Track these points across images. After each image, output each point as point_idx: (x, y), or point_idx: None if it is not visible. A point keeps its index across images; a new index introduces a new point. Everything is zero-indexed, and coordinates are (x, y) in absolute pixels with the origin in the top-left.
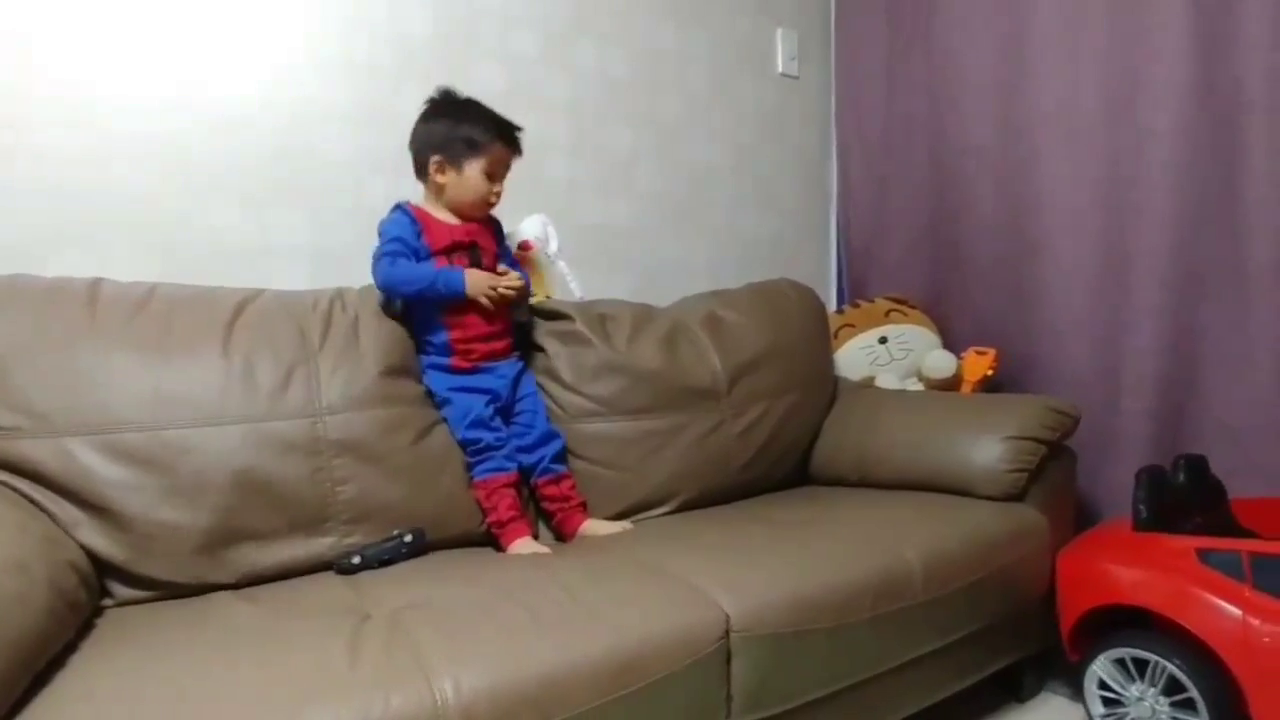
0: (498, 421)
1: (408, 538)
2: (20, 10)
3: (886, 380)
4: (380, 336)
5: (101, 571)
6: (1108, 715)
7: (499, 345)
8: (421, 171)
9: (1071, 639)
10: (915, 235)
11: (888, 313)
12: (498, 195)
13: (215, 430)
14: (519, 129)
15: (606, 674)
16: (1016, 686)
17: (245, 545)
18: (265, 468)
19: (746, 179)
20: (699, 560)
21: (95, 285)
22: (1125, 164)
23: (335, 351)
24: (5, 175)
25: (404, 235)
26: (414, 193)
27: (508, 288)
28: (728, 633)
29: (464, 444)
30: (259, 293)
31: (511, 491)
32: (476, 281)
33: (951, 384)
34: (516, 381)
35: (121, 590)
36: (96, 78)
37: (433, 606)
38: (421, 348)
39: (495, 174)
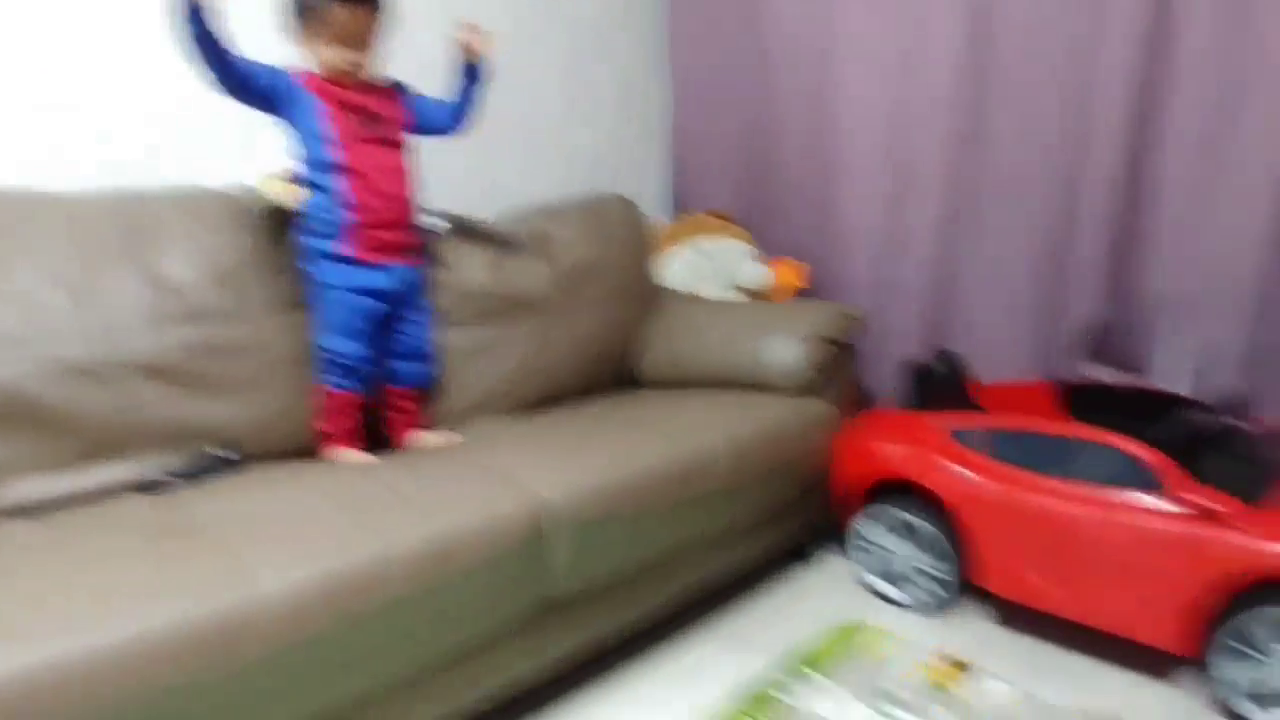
0: (369, 335)
1: (224, 455)
2: None
3: (707, 290)
4: (183, 245)
5: None
6: (872, 566)
7: (402, 238)
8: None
9: (846, 507)
10: (738, 153)
11: (709, 227)
12: (353, 64)
13: None
14: None
15: (426, 560)
16: (801, 551)
17: (38, 474)
18: (49, 395)
19: (574, 90)
20: (519, 456)
21: None
22: (908, 96)
23: (131, 266)
24: None
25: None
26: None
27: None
28: (543, 518)
29: (325, 350)
30: (41, 196)
31: (354, 412)
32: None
33: (766, 294)
34: (411, 291)
35: None
36: None
37: (245, 516)
38: (306, 226)
39: (348, 40)
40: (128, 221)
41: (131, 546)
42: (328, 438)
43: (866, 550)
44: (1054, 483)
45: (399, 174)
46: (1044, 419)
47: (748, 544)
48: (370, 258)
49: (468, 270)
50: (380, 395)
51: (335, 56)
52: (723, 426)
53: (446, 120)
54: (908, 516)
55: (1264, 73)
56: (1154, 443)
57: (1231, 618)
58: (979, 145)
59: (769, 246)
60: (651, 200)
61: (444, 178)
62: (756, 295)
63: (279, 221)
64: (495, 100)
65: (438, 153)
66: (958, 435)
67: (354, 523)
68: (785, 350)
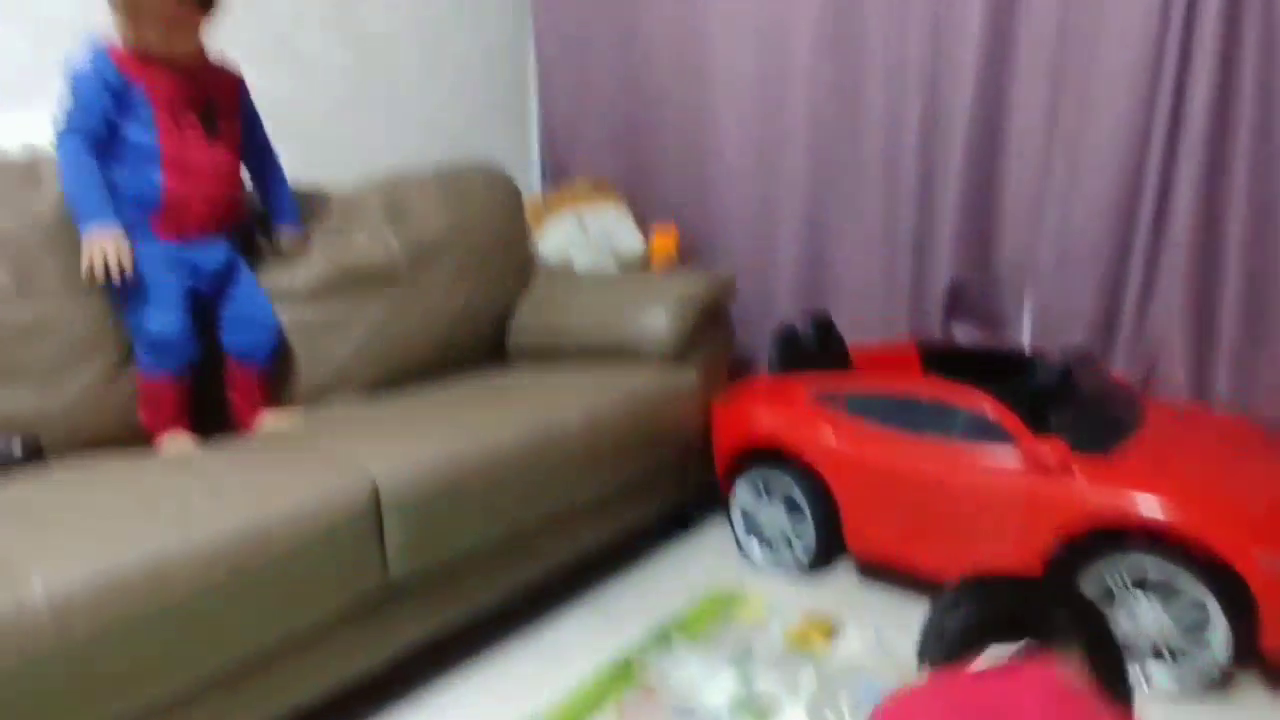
0: (185, 312)
1: (16, 447)
2: None
3: (585, 261)
4: None
5: None
6: (749, 532)
7: (219, 217)
8: None
9: (723, 476)
10: (611, 121)
11: (585, 196)
12: (161, 38)
13: None
14: None
15: (233, 550)
16: (684, 520)
17: None
18: None
19: (435, 55)
20: (357, 436)
21: None
22: (778, 69)
23: None
24: None
25: (87, 100)
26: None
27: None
28: (377, 496)
29: (137, 332)
30: None
31: (174, 396)
32: (97, 240)
33: (643, 263)
34: (231, 265)
35: None
36: None
37: (28, 510)
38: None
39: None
40: None
41: None
42: (151, 427)
43: (741, 516)
44: (911, 441)
45: (223, 168)
46: (902, 378)
47: (620, 514)
48: (183, 236)
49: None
50: (225, 376)
51: (156, 36)
52: (578, 398)
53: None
54: (773, 476)
55: (1108, 47)
56: (1004, 398)
57: (1076, 568)
58: (844, 114)
59: (646, 214)
60: (527, 170)
61: (301, 141)
62: (634, 264)
63: None
64: (354, 67)
65: (295, 115)
66: (821, 398)
67: (148, 517)
68: (654, 318)
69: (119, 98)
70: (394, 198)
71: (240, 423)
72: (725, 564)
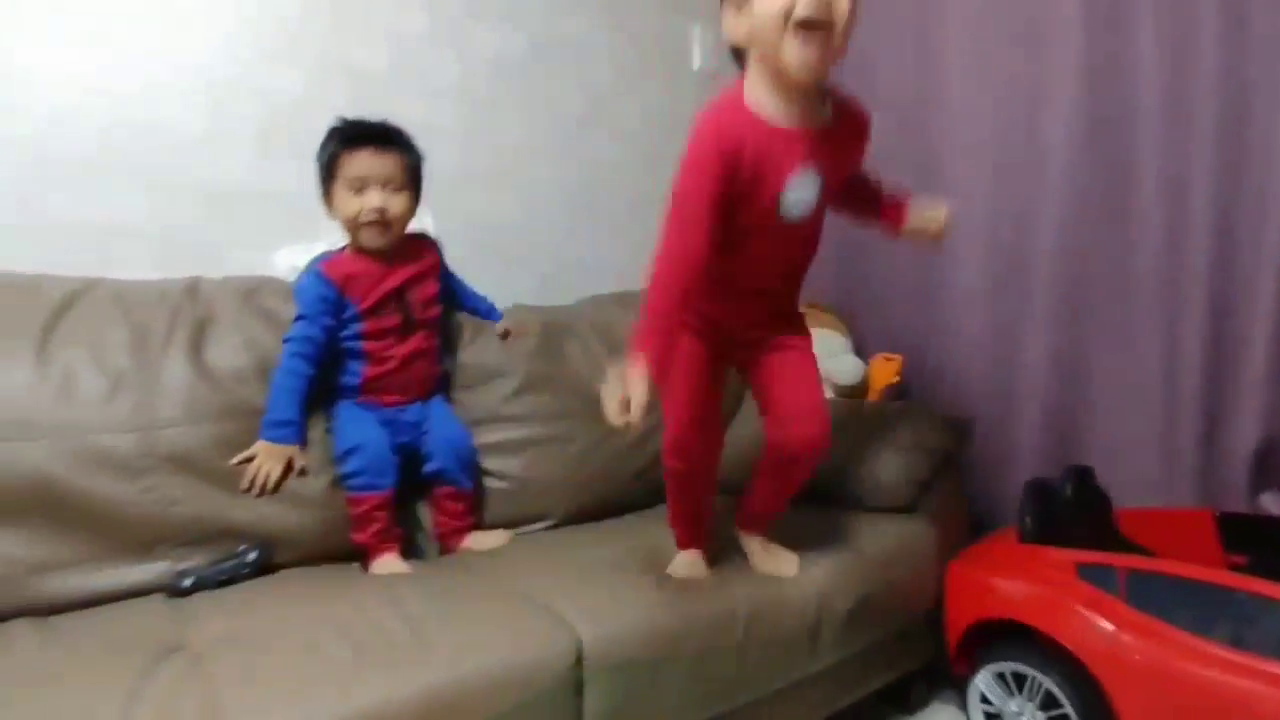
0: (384, 439)
1: (251, 555)
2: None
3: None
4: (233, 336)
5: None
6: None
7: (416, 389)
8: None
9: (957, 651)
10: (827, 240)
11: (807, 319)
12: (376, 211)
13: (23, 445)
14: (381, 126)
15: (435, 712)
16: (904, 698)
17: (62, 571)
18: (84, 487)
19: (653, 178)
20: (563, 582)
21: None
22: (1023, 182)
23: (178, 355)
24: None
25: (314, 299)
26: (276, 178)
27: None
28: (580, 661)
29: (344, 458)
30: (94, 283)
31: (383, 513)
32: (270, 455)
33: (860, 390)
34: (424, 414)
35: None
36: None
37: (249, 640)
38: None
39: (361, 187)
40: (179, 310)
41: (117, 670)
42: (363, 547)
43: (981, 709)
44: (1226, 649)
45: (418, 353)
46: (1202, 562)
47: (834, 692)
48: (382, 402)
49: (522, 361)
50: (430, 498)
51: (354, 208)
52: (807, 551)
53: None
54: (1030, 671)
55: None
56: None
57: None
58: (1111, 232)
59: (867, 341)
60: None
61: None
62: (850, 391)
63: None
64: (565, 183)
65: (522, 230)
66: (1089, 572)
67: (357, 662)
68: (883, 463)
69: (335, 307)
70: (611, 319)
71: (446, 546)
72: None
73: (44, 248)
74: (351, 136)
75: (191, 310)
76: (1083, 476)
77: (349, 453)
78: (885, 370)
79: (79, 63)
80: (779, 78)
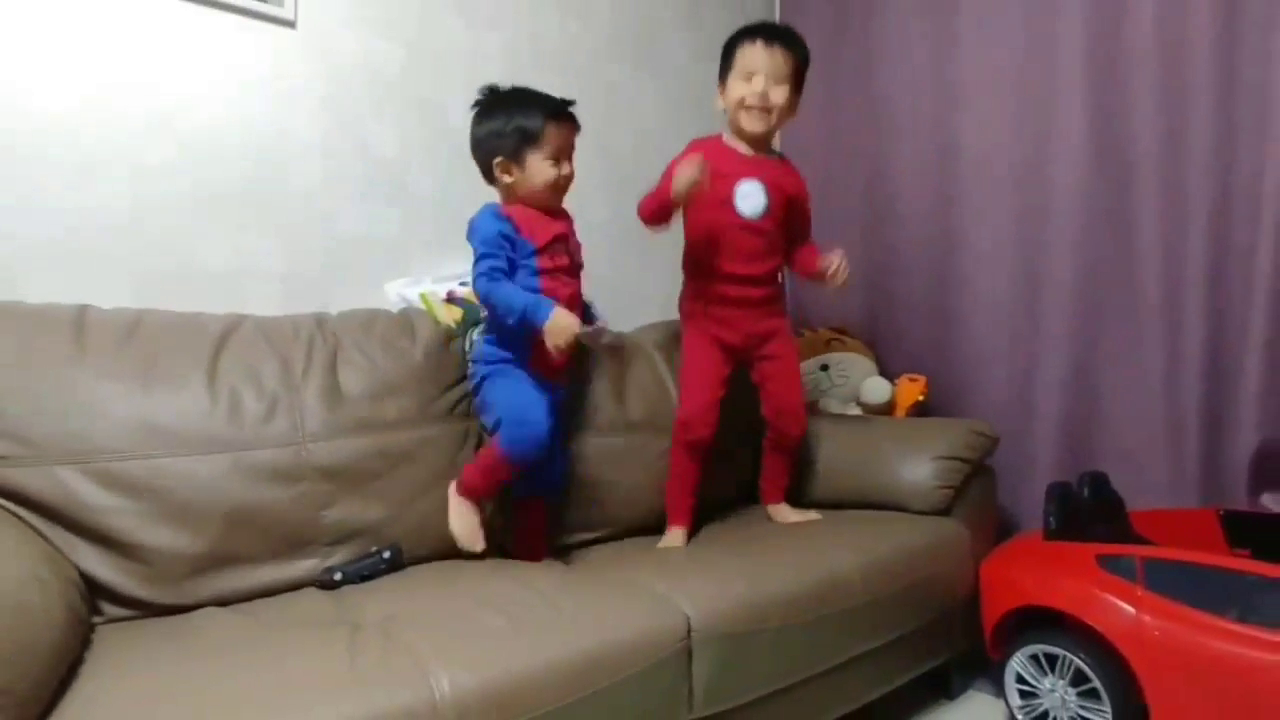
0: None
1: (386, 554)
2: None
3: (828, 405)
4: (361, 362)
5: (93, 591)
6: (1024, 707)
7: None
8: (489, 175)
9: (993, 639)
10: (853, 269)
11: (828, 342)
12: (567, 178)
13: (203, 459)
14: (571, 103)
15: (581, 672)
16: (945, 685)
17: (233, 568)
18: (252, 495)
19: None
20: (662, 572)
21: (82, 312)
22: (1034, 212)
23: (317, 379)
24: None
25: (495, 236)
26: (379, 225)
27: (588, 340)
28: (689, 634)
29: (509, 423)
30: (241, 319)
31: (500, 482)
32: (559, 324)
33: (887, 409)
34: (560, 408)
35: (110, 608)
36: (76, 102)
37: (417, 616)
38: (495, 337)
39: (559, 156)
40: (312, 340)
41: (323, 640)
42: (462, 484)
43: (1017, 689)
44: (1236, 625)
45: (576, 301)
46: (1210, 550)
47: (884, 672)
48: (545, 369)
49: (590, 381)
50: (521, 507)
51: (553, 174)
52: (856, 545)
53: None
54: (1061, 652)
55: None
56: None
57: None
58: (1117, 253)
59: (890, 362)
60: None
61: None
62: (878, 411)
63: (442, 338)
64: (623, 220)
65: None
66: (1108, 564)
67: (514, 629)
68: (917, 468)
69: (511, 243)
70: (666, 343)
71: (520, 546)
72: None
73: (194, 291)
74: (557, 111)
75: (322, 340)
76: (1098, 481)
77: (519, 408)
78: (911, 390)
79: (220, 123)
80: (737, 130)
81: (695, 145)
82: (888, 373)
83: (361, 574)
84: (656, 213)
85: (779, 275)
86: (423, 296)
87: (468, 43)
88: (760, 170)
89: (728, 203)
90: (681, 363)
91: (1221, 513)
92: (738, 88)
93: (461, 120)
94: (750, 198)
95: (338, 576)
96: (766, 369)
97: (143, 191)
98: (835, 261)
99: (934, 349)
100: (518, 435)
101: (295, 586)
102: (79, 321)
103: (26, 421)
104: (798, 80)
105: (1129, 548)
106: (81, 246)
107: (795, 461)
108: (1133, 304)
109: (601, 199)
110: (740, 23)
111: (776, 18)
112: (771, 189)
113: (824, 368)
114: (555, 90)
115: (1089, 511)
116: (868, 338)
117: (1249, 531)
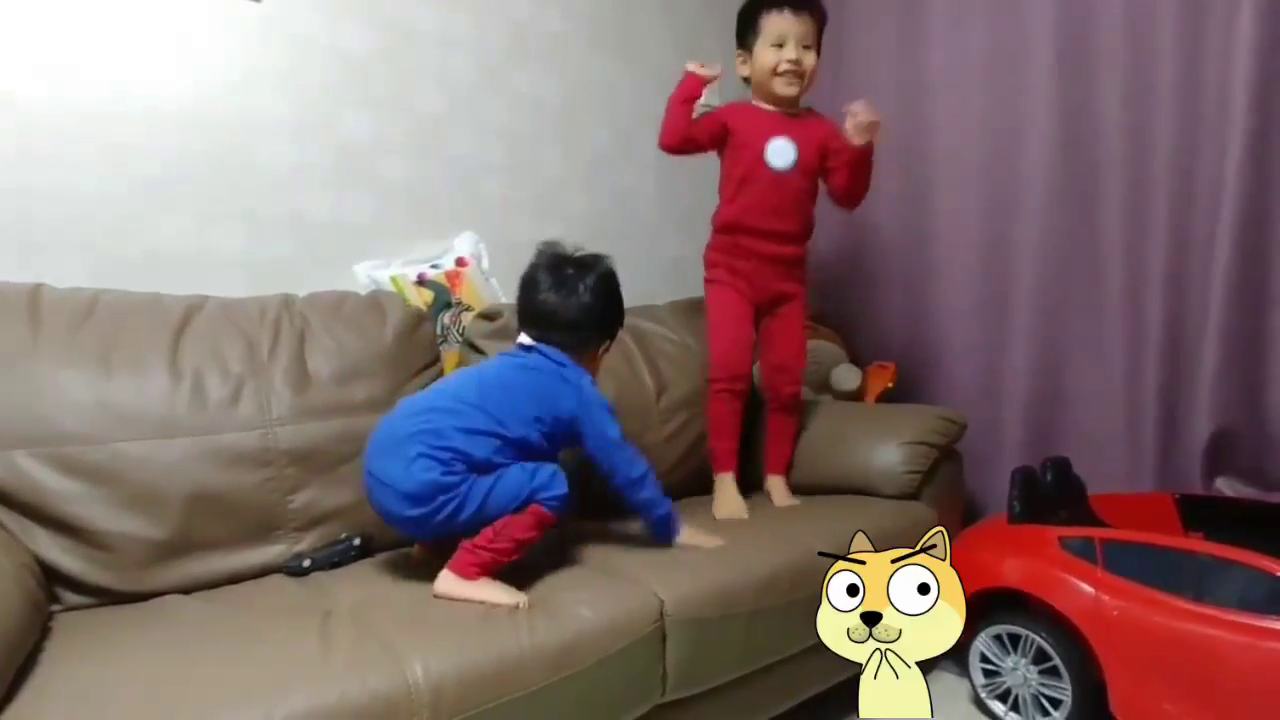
0: None
1: (356, 541)
2: None
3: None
4: (329, 345)
5: (50, 579)
6: (988, 685)
7: None
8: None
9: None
10: (826, 258)
11: None
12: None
13: (166, 443)
14: None
15: (557, 656)
16: None
17: (198, 554)
18: (217, 480)
19: (669, 204)
20: (636, 558)
21: (35, 292)
22: (1002, 204)
23: (284, 362)
24: None
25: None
26: (347, 208)
27: None
28: (663, 616)
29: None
30: (204, 301)
31: None
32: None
33: (857, 395)
34: None
35: (70, 596)
36: (27, 78)
37: (389, 602)
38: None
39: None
40: (279, 322)
41: (294, 627)
42: (483, 565)
43: (981, 668)
44: (1191, 604)
45: None
46: (1170, 533)
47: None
48: None
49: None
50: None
51: (773, 58)
52: (825, 529)
53: None
54: (1024, 631)
55: None
56: None
57: None
58: (1082, 246)
59: (860, 350)
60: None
61: None
62: (847, 397)
63: (412, 320)
64: (596, 210)
65: None
66: (1070, 545)
67: (488, 617)
68: (886, 453)
69: None
70: (639, 330)
71: None
72: (962, 717)
73: (155, 273)
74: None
75: (290, 322)
76: (1061, 466)
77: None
78: (881, 377)
79: (185, 104)
80: (768, 96)
81: (724, 109)
82: (857, 360)
83: (331, 560)
84: (674, 124)
85: (805, 239)
86: (393, 279)
87: (435, 27)
88: (791, 127)
89: (760, 158)
90: (708, 314)
91: (1177, 497)
92: (768, 55)
93: (429, 108)
94: (781, 153)
95: (306, 563)
96: (773, 325)
97: (104, 173)
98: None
99: (903, 337)
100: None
101: (263, 573)
102: (33, 302)
103: None
104: (819, 42)
105: (1089, 530)
106: (37, 228)
107: (796, 431)
108: (1097, 295)
109: (579, 191)
110: (718, 15)
111: None
112: (802, 144)
113: None
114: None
115: (1052, 496)
116: (838, 326)
117: (1203, 515)
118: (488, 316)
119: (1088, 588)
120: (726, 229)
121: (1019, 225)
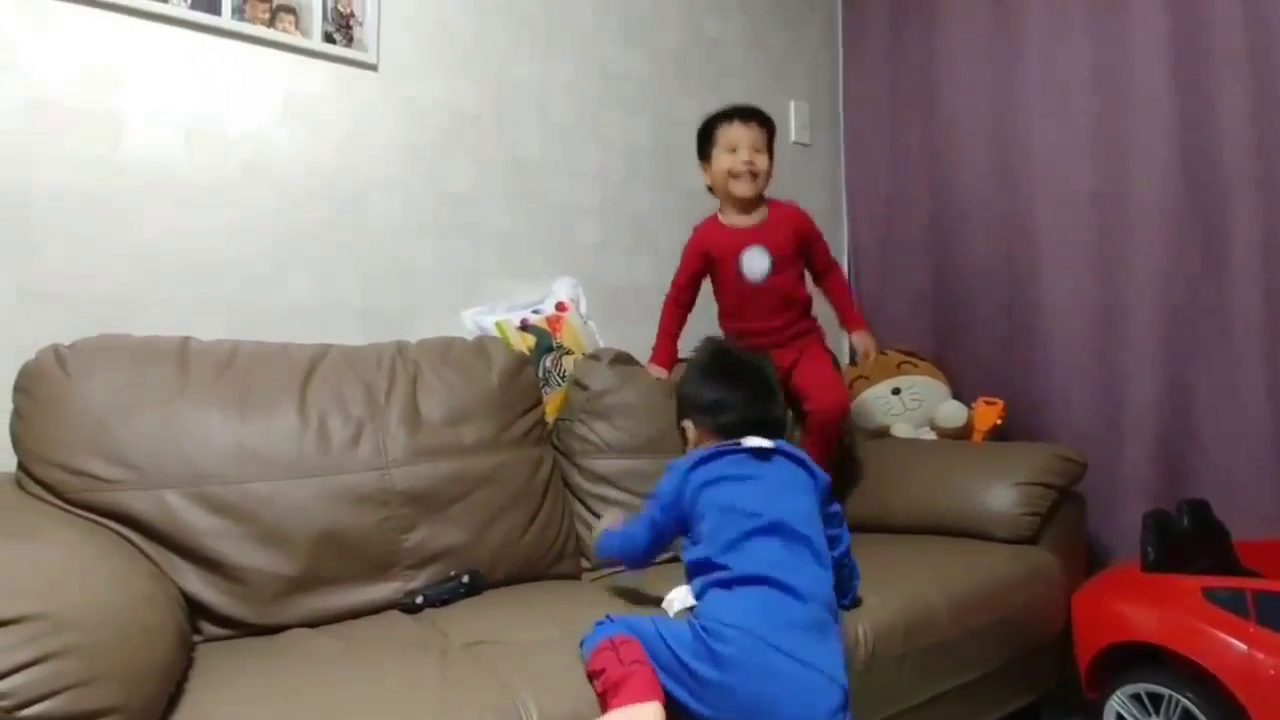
0: None
1: (465, 579)
2: (110, 88)
3: (901, 430)
4: (439, 388)
5: (193, 611)
6: None
7: None
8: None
9: (1088, 676)
10: (921, 291)
11: (899, 365)
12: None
13: (294, 483)
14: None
15: None
16: None
17: (322, 590)
18: (339, 518)
19: None
20: None
21: (184, 344)
22: (1114, 229)
23: (399, 406)
24: (93, 236)
25: None
26: (453, 257)
27: None
28: None
29: None
30: (327, 349)
31: None
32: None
33: (963, 433)
34: None
35: (209, 628)
36: (179, 148)
37: (501, 640)
38: None
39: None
40: (394, 368)
41: (414, 659)
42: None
43: None
44: None
45: None
46: None
47: (969, 712)
48: None
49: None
50: None
51: (727, 162)
52: (940, 575)
53: None
54: (1167, 691)
55: None
56: None
57: None
58: (1208, 275)
59: (964, 387)
60: (840, 341)
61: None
62: (953, 435)
63: (517, 364)
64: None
65: (654, 290)
66: (1215, 597)
67: None
68: (1001, 495)
69: None
70: None
71: None
72: None
73: (284, 325)
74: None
75: (403, 368)
76: (1199, 509)
77: None
78: (988, 414)
79: (306, 168)
80: (727, 199)
81: (698, 229)
82: (960, 396)
83: (442, 598)
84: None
85: (806, 310)
86: (498, 325)
87: (534, 75)
88: (758, 233)
89: (739, 273)
90: None
91: None
92: (723, 160)
93: (528, 152)
94: (753, 262)
95: (419, 600)
96: (799, 368)
97: (234, 240)
98: (862, 349)
99: (1009, 371)
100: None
101: (378, 609)
102: (182, 353)
103: (135, 447)
104: (770, 148)
105: (1238, 580)
106: (181, 285)
107: (833, 454)
108: (1228, 322)
109: (670, 229)
110: (800, 41)
111: (839, 39)
112: (772, 248)
113: (895, 391)
114: (623, 128)
115: (1190, 541)
116: (938, 360)
117: None
118: (595, 357)
119: (1239, 644)
120: (734, 334)
121: (1134, 254)
